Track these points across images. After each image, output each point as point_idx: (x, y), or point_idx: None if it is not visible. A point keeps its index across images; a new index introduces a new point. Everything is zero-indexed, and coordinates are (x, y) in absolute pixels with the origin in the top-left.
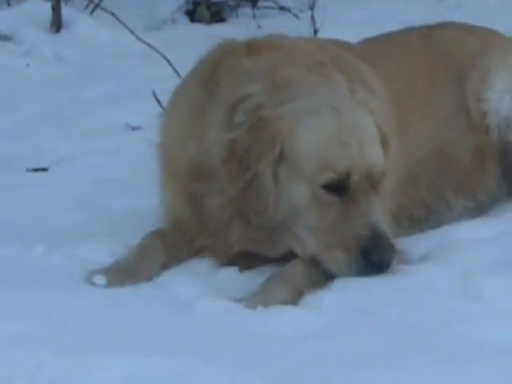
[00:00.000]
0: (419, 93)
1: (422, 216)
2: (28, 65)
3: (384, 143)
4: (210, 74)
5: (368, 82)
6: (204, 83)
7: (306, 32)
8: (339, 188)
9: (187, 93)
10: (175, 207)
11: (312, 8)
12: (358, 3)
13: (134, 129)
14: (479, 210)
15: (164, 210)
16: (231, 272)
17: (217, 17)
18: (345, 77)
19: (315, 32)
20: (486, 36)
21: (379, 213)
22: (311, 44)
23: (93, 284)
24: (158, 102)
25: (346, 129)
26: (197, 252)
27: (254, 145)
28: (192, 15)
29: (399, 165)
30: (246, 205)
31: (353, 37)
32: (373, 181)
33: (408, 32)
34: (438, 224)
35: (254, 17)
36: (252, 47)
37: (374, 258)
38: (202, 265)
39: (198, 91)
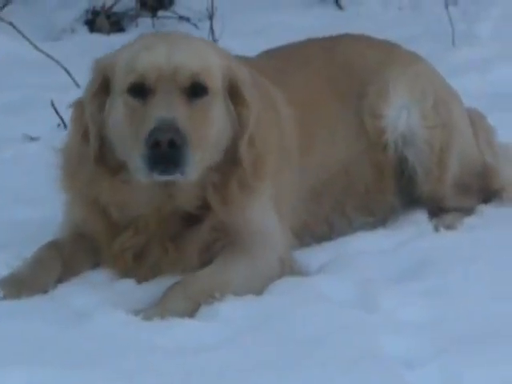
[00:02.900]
0: (324, 114)
1: (325, 232)
2: None
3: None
4: None
5: (276, 106)
6: None
7: None
8: (141, 90)
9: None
10: (78, 213)
11: (211, 18)
12: (256, 13)
13: (32, 139)
14: (378, 224)
15: (65, 217)
16: (129, 284)
17: (116, 27)
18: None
19: (214, 42)
20: (386, 50)
21: (180, 112)
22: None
23: None
24: (57, 112)
25: (160, 40)
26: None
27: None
28: (91, 25)
29: (303, 186)
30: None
31: (251, 46)
32: (178, 82)
33: (310, 45)
34: (338, 237)
35: (154, 26)
36: None
37: (149, 141)
38: (99, 276)
39: None
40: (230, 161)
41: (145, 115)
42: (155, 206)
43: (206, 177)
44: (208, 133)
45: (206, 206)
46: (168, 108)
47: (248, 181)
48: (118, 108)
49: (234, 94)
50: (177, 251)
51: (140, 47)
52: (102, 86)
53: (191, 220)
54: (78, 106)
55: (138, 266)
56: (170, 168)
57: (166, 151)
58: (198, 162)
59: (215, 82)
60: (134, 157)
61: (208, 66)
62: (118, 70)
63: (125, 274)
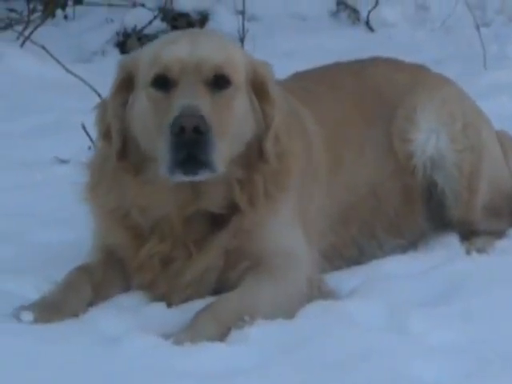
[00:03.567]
0: (352, 136)
1: (354, 255)
2: None
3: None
4: None
5: (305, 126)
6: None
7: None
8: (165, 83)
9: None
10: (100, 223)
11: (242, 40)
12: (287, 35)
13: (62, 162)
14: (408, 247)
15: (94, 239)
16: (159, 307)
17: None
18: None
19: None
20: (415, 73)
21: (203, 101)
22: None
23: (19, 320)
24: (88, 134)
25: (184, 35)
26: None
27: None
28: (123, 47)
29: (331, 207)
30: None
31: (282, 68)
32: (202, 74)
33: (339, 68)
34: (368, 260)
35: None
36: None
37: (174, 128)
38: (129, 300)
39: None
40: (254, 157)
41: (168, 105)
42: (180, 208)
43: (231, 173)
44: (230, 123)
45: (232, 207)
46: (191, 97)
47: (274, 178)
48: (142, 101)
49: (258, 89)
50: (201, 255)
51: (164, 42)
52: (125, 83)
53: (216, 223)
54: (101, 106)
55: (165, 274)
56: (195, 155)
57: (191, 137)
58: (222, 151)
59: (238, 75)
60: (160, 147)
61: (231, 60)
62: (142, 64)
63: (153, 283)
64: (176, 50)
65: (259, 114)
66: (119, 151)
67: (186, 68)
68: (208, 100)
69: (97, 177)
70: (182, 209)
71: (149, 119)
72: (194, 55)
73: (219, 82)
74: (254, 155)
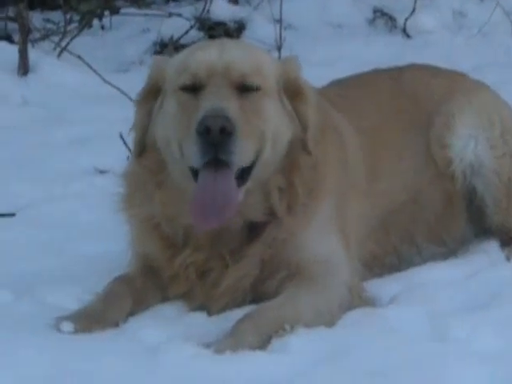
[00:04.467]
0: (390, 142)
1: (394, 262)
2: None
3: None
4: None
5: (341, 132)
6: None
7: None
8: (194, 87)
9: None
10: (135, 234)
11: (279, 49)
12: (324, 43)
13: (101, 172)
14: (448, 254)
15: (132, 250)
16: (199, 316)
17: None
18: (320, 127)
19: None
20: (452, 79)
21: (230, 103)
22: None
23: (60, 330)
24: (126, 144)
25: (213, 43)
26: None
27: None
28: None
29: (370, 214)
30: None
31: (319, 77)
32: (230, 79)
33: (376, 75)
34: (407, 267)
35: None
36: None
37: (200, 129)
38: (169, 309)
39: None
40: (293, 165)
41: (196, 107)
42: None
43: (271, 181)
44: (260, 126)
45: (269, 215)
46: (218, 99)
47: (309, 187)
48: (171, 104)
49: (290, 90)
50: (237, 265)
51: (192, 49)
52: (153, 91)
53: (251, 232)
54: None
55: (201, 284)
56: (220, 155)
57: (217, 138)
58: (248, 151)
59: (267, 80)
60: (186, 147)
61: (259, 65)
62: (170, 72)
63: (189, 293)
64: (205, 55)
65: (294, 118)
66: (139, 148)
67: (213, 72)
68: (235, 102)
69: (132, 187)
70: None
71: (177, 121)
72: (222, 60)
73: (246, 87)
74: (292, 163)
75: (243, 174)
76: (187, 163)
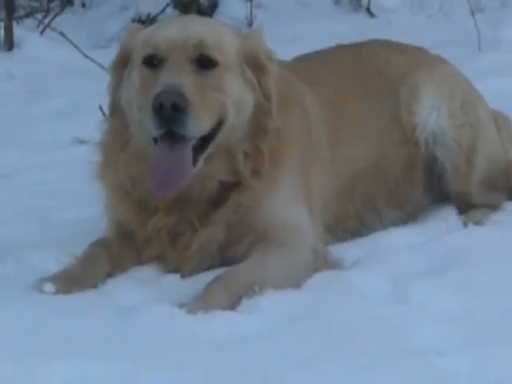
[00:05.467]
0: (351, 111)
1: (356, 227)
2: None
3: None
4: None
5: (304, 103)
6: None
7: None
8: (155, 59)
9: None
10: (108, 200)
11: (250, 25)
12: (292, 21)
13: (81, 142)
14: (408, 220)
15: (107, 215)
16: (173, 278)
17: None
18: (283, 98)
19: None
20: (413, 54)
21: (187, 79)
22: None
23: (42, 291)
24: (105, 115)
25: (178, 18)
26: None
27: None
28: None
29: (334, 180)
30: None
31: (288, 52)
32: (188, 53)
33: (339, 50)
34: (369, 233)
35: None
36: None
37: (154, 105)
38: (145, 272)
39: None
40: (259, 130)
41: (155, 82)
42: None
43: (237, 146)
44: (221, 98)
45: (235, 176)
46: (175, 75)
47: (272, 154)
48: (134, 79)
49: (251, 63)
50: (204, 229)
51: (158, 25)
52: (123, 62)
53: (217, 199)
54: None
55: (173, 246)
56: (174, 128)
57: (169, 113)
58: (204, 123)
59: (227, 55)
60: (145, 119)
61: (219, 40)
62: (137, 45)
63: (162, 255)
64: (167, 30)
65: (257, 87)
66: (110, 116)
67: (173, 46)
68: (192, 77)
69: (106, 156)
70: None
71: (137, 95)
72: (182, 34)
73: (205, 62)
74: (259, 128)
75: (204, 142)
76: (146, 132)
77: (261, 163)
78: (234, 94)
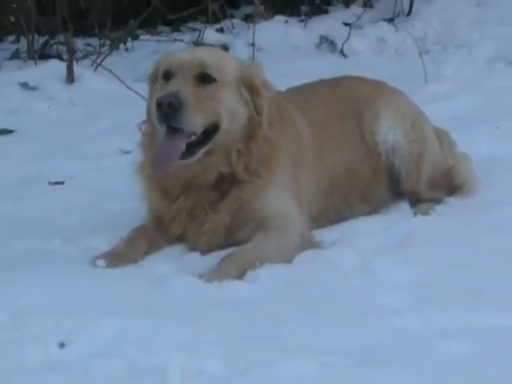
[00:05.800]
0: (332, 130)
1: (334, 217)
2: (49, 107)
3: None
4: None
5: (297, 124)
6: None
7: None
8: (169, 75)
9: None
10: (149, 195)
11: None
12: (284, 60)
13: (124, 152)
14: (373, 211)
15: (145, 205)
16: (195, 255)
17: None
18: (281, 120)
19: None
20: (376, 86)
21: (186, 88)
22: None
23: (95, 266)
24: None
25: (192, 47)
26: (173, 239)
27: None
28: None
29: (319, 182)
30: None
31: (281, 85)
32: (192, 70)
33: (321, 83)
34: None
35: None
36: None
37: (156, 103)
38: (173, 250)
39: None
40: (251, 135)
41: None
42: (190, 177)
43: (232, 145)
44: (215, 107)
45: (230, 169)
46: (177, 85)
47: (263, 161)
48: (157, 89)
49: (248, 87)
50: (214, 216)
51: (177, 52)
52: (156, 74)
53: (223, 192)
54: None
55: (191, 224)
56: (170, 122)
57: (166, 110)
58: (197, 121)
59: (225, 76)
60: (154, 117)
61: (220, 63)
62: (162, 64)
63: (184, 233)
64: (181, 54)
65: (251, 106)
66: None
67: (181, 64)
68: (190, 88)
69: (143, 153)
70: (192, 177)
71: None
72: (190, 56)
73: (205, 78)
74: (251, 134)
75: (203, 140)
76: (157, 128)
77: (250, 160)
78: (228, 105)
